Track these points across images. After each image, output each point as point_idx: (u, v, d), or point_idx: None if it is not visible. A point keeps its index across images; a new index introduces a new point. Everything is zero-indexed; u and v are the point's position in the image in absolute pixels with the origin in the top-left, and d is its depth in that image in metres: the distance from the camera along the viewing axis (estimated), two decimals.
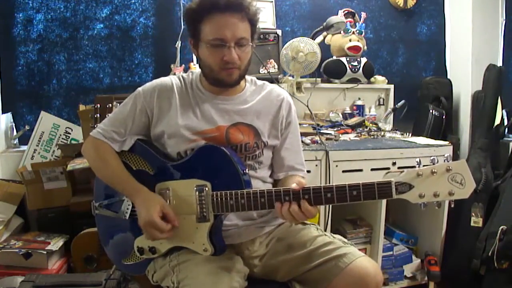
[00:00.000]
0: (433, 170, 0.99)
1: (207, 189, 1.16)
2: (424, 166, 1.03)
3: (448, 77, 3.01)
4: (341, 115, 2.58)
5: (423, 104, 2.79)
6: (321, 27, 2.53)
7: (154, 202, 1.16)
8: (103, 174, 1.30)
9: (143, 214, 1.15)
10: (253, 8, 1.20)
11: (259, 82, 1.38)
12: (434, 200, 1.01)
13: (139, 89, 1.31)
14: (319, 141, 2.06)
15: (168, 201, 1.20)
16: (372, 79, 2.70)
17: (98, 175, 1.31)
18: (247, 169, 1.21)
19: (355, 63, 2.58)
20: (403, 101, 2.56)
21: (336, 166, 1.96)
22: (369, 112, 2.66)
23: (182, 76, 1.34)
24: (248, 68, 1.28)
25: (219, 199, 1.14)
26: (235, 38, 1.17)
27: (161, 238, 1.16)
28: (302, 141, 1.91)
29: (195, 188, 1.17)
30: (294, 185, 1.09)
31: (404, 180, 1.02)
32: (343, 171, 1.98)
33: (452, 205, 1.03)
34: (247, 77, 1.37)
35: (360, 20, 2.68)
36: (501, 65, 2.86)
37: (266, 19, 2.54)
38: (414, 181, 1.01)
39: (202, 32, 1.20)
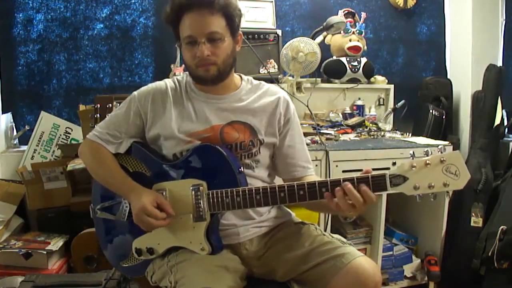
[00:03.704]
0: (427, 161, 0.99)
1: (202, 188, 1.16)
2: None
3: (448, 77, 3.00)
4: (341, 115, 2.58)
5: (423, 104, 2.78)
6: (321, 27, 2.53)
7: (147, 194, 1.18)
8: (99, 175, 1.31)
9: (136, 204, 1.16)
10: (222, 1, 1.17)
11: (255, 82, 1.38)
12: (429, 192, 1.00)
13: (135, 92, 1.31)
14: (319, 141, 2.06)
15: None
16: (372, 79, 2.70)
17: (94, 176, 1.32)
18: (243, 168, 1.21)
19: (355, 63, 2.58)
20: (403, 101, 2.56)
21: (336, 166, 1.97)
22: (369, 112, 2.66)
23: (177, 79, 1.34)
24: (231, 63, 1.26)
25: (215, 198, 1.15)
26: (205, 34, 1.17)
27: (157, 226, 1.15)
28: None
29: (191, 188, 1.17)
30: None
31: (398, 172, 1.01)
32: (343, 171, 1.98)
33: (448, 198, 1.03)
34: (244, 76, 1.37)
35: (360, 20, 2.68)
36: (501, 65, 2.85)
37: (266, 19, 2.54)
38: (408, 173, 1.00)
39: (180, 33, 1.21)
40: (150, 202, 1.15)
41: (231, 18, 1.21)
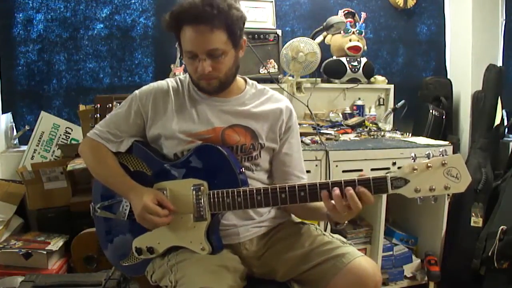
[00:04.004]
0: (429, 164, 0.99)
1: (203, 188, 1.16)
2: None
3: (448, 77, 3.00)
4: (341, 115, 2.58)
5: (423, 104, 2.78)
6: (321, 27, 2.53)
7: (147, 192, 1.18)
8: (99, 174, 1.31)
9: (137, 203, 1.16)
10: (223, 15, 1.12)
11: (260, 87, 1.37)
12: (430, 195, 1.01)
13: (136, 91, 1.31)
14: (319, 141, 2.06)
15: None
16: (372, 79, 2.70)
17: (94, 175, 1.32)
18: (243, 169, 1.21)
19: (355, 63, 2.58)
20: (403, 101, 2.56)
21: (336, 166, 1.97)
22: (369, 112, 2.66)
23: (180, 79, 1.34)
24: (234, 72, 1.25)
25: (215, 198, 1.15)
26: (205, 51, 1.14)
27: (160, 224, 1.16)
28: (302, 141, 1.91)
29: (192, 188, 1.17)
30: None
31: (400, 175, 1.02)
32: (343, 171, 1.98)
33: (448, 200, 1.02)
34: (249, 81, 1.37)
35: (360, 20, 2.68)
36: (501, 65, 2.85)
37: (266, 19, 2.54)
38: (409, 176, 1.01)
39: (181, 42, 1.19)
40: (151, 200, 1.15)
41: (233, 30, 1.16)
